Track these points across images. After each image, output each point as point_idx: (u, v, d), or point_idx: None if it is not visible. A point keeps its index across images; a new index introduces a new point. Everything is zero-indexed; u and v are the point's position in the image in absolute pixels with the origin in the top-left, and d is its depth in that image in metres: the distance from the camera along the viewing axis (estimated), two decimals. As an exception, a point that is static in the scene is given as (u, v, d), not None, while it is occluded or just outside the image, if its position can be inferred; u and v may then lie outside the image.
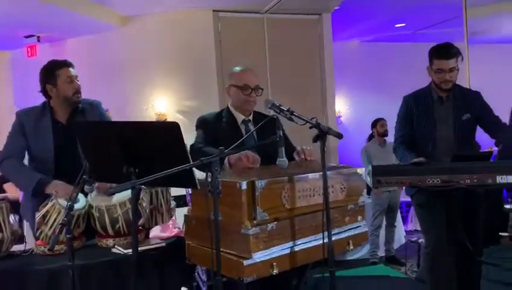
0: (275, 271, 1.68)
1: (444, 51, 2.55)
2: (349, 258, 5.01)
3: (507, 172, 2.10)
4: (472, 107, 2.61)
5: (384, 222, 5.11)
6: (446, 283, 2.52)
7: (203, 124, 2.35)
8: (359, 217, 2.04)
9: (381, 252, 5.09)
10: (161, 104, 5.38)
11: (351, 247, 1.97)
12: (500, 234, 4.53)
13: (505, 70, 7.27)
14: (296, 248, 1.78)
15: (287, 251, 1.75)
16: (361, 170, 2.04)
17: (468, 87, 3.09)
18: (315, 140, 1.80)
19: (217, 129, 2.31)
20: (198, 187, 1.68)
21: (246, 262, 1.61)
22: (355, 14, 6.05)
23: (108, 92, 5.28)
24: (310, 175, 1.85)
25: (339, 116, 7.69)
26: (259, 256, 1.64)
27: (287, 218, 1.76)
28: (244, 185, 1.64)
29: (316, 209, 1.83)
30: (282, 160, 1.84)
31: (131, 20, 5.44)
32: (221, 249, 1.67)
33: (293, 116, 1.94)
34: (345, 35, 7.09)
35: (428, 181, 2.17)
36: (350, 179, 1.98)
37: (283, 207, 1.74)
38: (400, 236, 5.36)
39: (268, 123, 2.02)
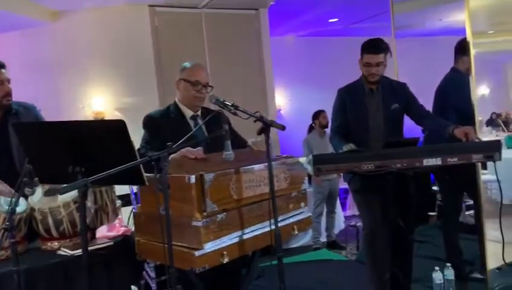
0: (225, 260, 1.75)
1: (373, 46, 2.73)
2: (293, 245, 5.20)
3: (432, 155, 2.31)
4: (399, 97, 2.82)
5: (325, 209, 5.35)
6: (382, 260, 2.72)
7: (148, 122, 2.34)
8: (302, 204, 2.17)
9: (323, 238, 5.33)
10: (98, 102, 5.22)
11: (296, 232, 2.08)
12: (429, 213, 4.94)
13: (430, 62, 7.80)
14: (245, 236, 1.86)
15: (236, 240, 1.82)
16: (302, 160, 2.16)
17: (396, 78, 3.32)
18: (259, 133, 1.89)
19: (164, 126, 2.30)
20: (147, 184, 1.71)
21: (197, 253, 1.67)
22: (291, 9, 6.21)
23: (40, 91, 5.03)
24: (256, 166, 1.93)
25: (279, 110, 7.89)
26: (210, 246, 1.70)
27: (235, 208, 1.84)
28: (193, 179, 1.69)
29: (262, 198, 1.92)
30: (228, 153, 1.90)
31: (62, 16, 5.21)
32: (173, 243, 1.72)
33: (237, 111, 2.01)
34: (281, 30, 7.26)
35: (363, 167, 2.33)
36: (293, 169, 2.10)
37: (231, 198, 1.81)
38: (340, 222, 5.64)
39: (215, 118, 2.07)
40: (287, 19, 6.72)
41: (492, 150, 2.32)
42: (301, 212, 2.16)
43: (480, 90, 9.06)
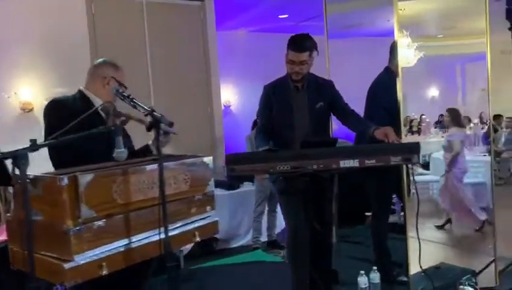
0: (104, 272, 1.55)
1: (296, 44, 2.61)
2: (233, 245, 5.05)
3: (349, 157, 2.20)
4: (325, 95, 2.71)
5: (267, 208, 5.22)
6: (302, 263, 2.61)
7: (56, 107, 2.07)
8: (208, 207, 2.00)
9: (264, 238, 5.20)
10: (26, 91, 4.87)
11: (198, 239, 1.92)
12: (366, 213, 4.90)
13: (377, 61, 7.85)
14: (132, 245, 1.67)
15: (121, 249, 1.63)
16: (207, 159, 1.99)
17: (328, 77, 3.22)
18: (149, 128, 1.71)
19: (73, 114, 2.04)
20: (13, 184, 1.50)
21: (66, 265, 1.46)
22: (238, 2, 6.05)
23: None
24: (148, 167, 1.75)
25: (228, 106, 7.72)
26: (83, 257, 1.50)
27: (120, 213, 1.64)
28: (65, 181, 1.48)
29: (155, 202, 1.74)
30: (120, 151, 1.71)
31: (-13, -1, 4.81)
32: (42, 253, 1.52)
33: (135, 103, 1.84)
34: (230, 24, 7.09)
35: (279, 168, 2.19)
36: (195, 169, 1.92)
37: (115, 202, 1.62)
38: (281, 221, 5.51)
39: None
40: (236, 12, 6.55)
41: (411, 153, 2.24)
42: (206, 217, 1.99)
43: (430, 92, 9.27)
